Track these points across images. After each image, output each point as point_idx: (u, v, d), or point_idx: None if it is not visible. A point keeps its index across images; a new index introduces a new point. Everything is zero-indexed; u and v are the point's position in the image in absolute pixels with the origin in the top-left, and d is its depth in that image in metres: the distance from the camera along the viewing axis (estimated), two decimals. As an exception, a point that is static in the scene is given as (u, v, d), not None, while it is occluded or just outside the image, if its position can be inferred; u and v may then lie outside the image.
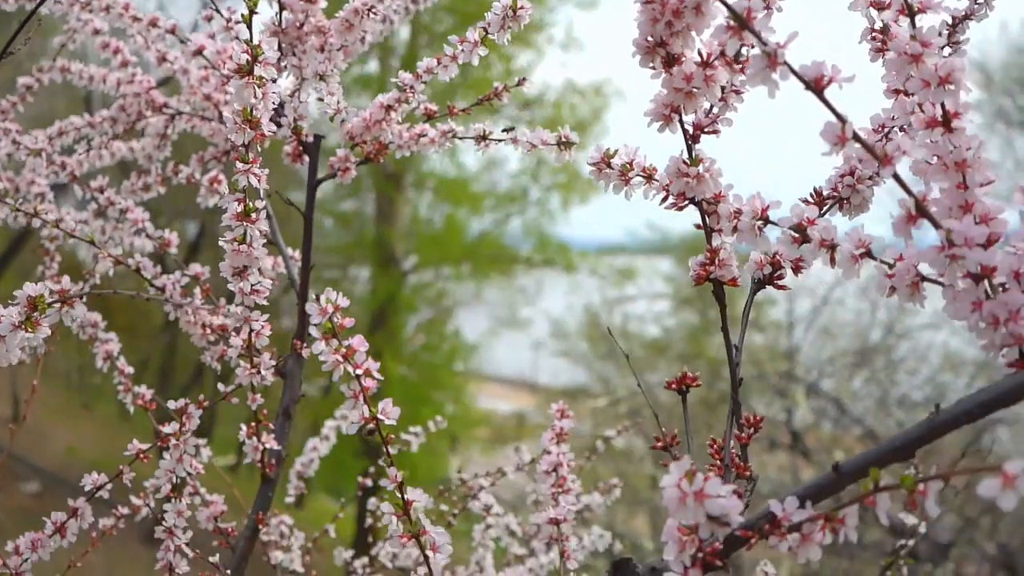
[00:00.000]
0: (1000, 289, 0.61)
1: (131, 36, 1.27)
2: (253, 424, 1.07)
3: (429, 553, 0.75)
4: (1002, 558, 5.87)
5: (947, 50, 0.84)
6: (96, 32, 1.28)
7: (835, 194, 0.79)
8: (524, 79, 1.14)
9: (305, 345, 1.12)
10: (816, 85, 0.58)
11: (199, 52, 1.14)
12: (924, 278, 0.63)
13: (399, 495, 0.75)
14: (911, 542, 1.22)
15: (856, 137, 0.58)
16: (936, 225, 0.59)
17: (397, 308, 11.29)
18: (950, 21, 0.85)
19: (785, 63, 0.58)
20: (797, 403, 6.19)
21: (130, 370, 1.19)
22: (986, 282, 0.61)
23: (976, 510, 6.07)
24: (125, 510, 1.25)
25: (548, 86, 11.05)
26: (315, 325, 0.71)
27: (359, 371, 0.72)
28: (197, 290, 1.16)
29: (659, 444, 0.70)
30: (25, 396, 1.21)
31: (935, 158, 0.63)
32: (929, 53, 0.61)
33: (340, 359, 0.72)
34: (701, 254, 0.79)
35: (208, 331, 1.14)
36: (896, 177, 0.59)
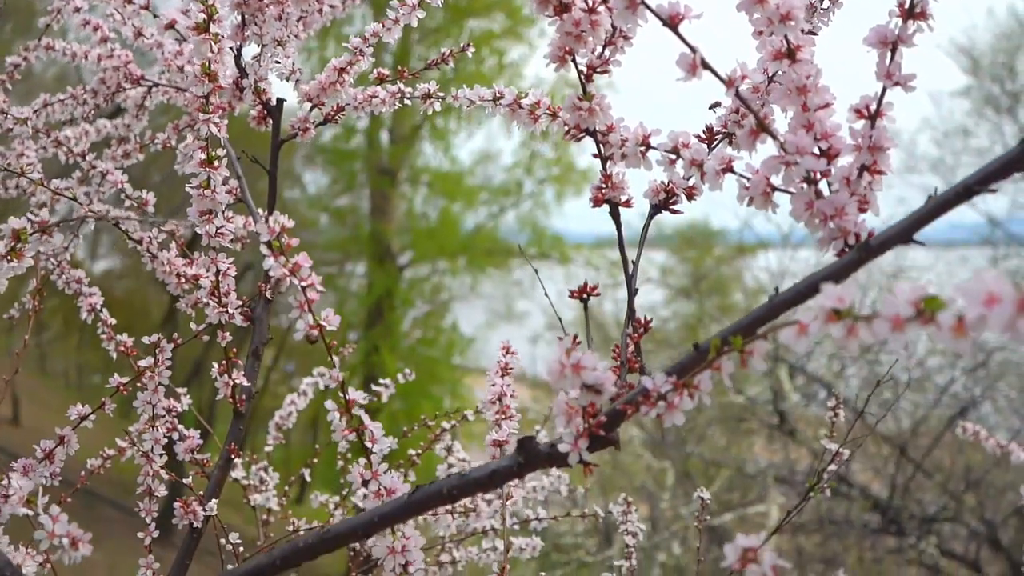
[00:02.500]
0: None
1: (109, 15, 1.38)
2: (224, 361, 1.18)
3: (368, 444, 0.85)
4: (988, 533, 5.97)
5: (826, 3, 0.95)
6: (77, 10, 1.39)
7: (723, 130, 0.90)
8: (468, 45, 1.25)
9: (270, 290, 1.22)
10: (672, 21, 0.69)
11: (171, 26, 1.24)
12: (774, 188, 0.73)
13: (341, 395, 0.85)
14: (833, 467, 1.33)
15: (704, 64, 0.69)
16: (774, 137, 0.70)
17: (394, 303, 11.39)
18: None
19: (643, 3, 0.68)
20: (781, 383, 6.31)
21: (113, 321, 1.29)
22: (826, 186, 0.72)
23: (960, 486, 6.18)
24: (111, 452, 1.36)
25: (541, 80, 11.15)
26: (264, 243, 0.82)
27: (304, 283, 0.83)
28: (173, 244, 1.27)
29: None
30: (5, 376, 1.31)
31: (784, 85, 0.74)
32: (772, -6, 0.72)
33: (287, 272, 0.82)
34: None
35: (182, 280, 1.24)
36: (739, 96, 0.69)
